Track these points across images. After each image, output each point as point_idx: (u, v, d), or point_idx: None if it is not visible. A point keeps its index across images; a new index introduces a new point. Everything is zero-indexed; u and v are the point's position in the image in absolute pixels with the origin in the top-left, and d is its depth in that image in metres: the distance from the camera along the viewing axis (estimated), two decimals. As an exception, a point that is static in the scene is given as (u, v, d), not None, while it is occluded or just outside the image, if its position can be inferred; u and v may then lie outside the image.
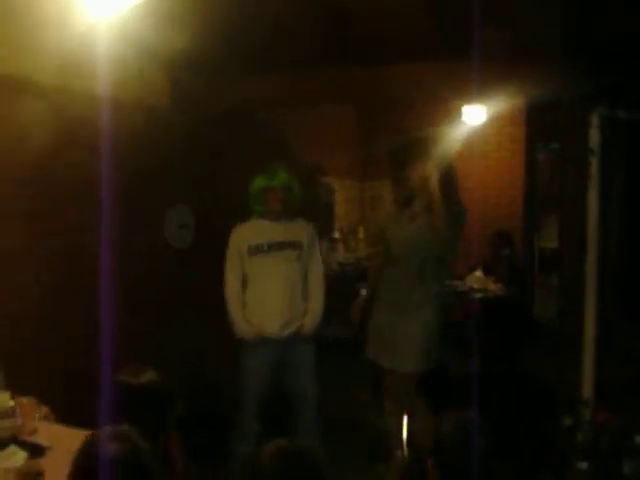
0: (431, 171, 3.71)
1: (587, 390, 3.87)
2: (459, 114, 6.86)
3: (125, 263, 4.28)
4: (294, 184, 4.04)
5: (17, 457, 2.51)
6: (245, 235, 4.03)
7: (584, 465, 3.41)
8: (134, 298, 4.35)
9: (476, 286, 6.28)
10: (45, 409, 2.89)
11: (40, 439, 2.66)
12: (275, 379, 4.05)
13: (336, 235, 7.38)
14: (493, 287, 6.29)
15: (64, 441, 2.49)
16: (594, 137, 3.85)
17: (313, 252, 4.12)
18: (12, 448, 2.57)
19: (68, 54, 3.75)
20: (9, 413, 2.74)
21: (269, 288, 3.96)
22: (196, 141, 4.74)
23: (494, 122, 7.21)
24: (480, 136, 7.21)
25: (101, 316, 4.11)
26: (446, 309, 4.06)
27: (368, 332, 4.00)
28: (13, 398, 2.81)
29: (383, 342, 3.86)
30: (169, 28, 3.79)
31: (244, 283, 4.02)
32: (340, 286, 6.42)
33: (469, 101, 6.64)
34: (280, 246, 3.98)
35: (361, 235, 7.79)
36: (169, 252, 4.77)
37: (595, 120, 3.85)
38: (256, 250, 3.97)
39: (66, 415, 2.93)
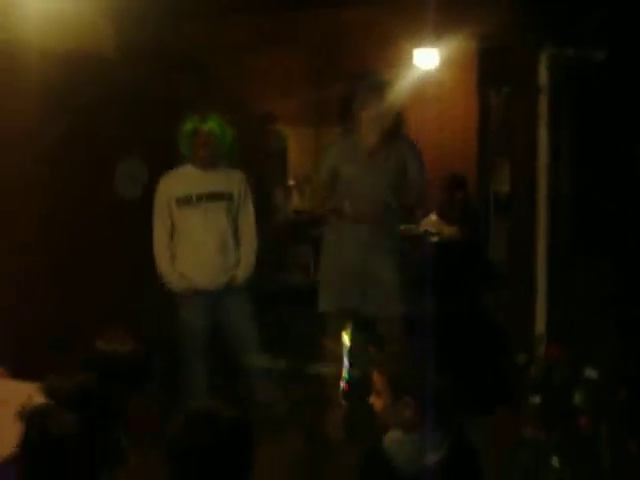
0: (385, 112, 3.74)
1: (540, 326, 3.96)
2: (411, 58, 6.83)
3: (73, 215, 4.21)
4: (225, 130, 3.91)
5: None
6: (172, 185, 3.93)
7: (537, 399, 3.50)
8: (83, 251, 4.29)
9: (431, 230, 6.33)
10: (-3, 366, 2.86)
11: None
12: (211, 334, 4.01)
13: (291, 183, 7.34)
14: (448, 230, 6.34)
15: (17, 395, 2.47)
16: (543, 76, 3.86)
17: (244, 202, 4.03)
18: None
19: (3, 5, 3.62)
20: (-39, 370, 2.71)
21: (198, 241, 3.89)
22: (145, 91, 4.63)
23: (446, 66, 7.19)
24: (432, 80, 7.19)
25: (51, 270, 4.07)
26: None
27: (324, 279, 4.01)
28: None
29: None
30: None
31: (172, 235, 3.93)
32: (295, 234, 6.43)
33: (421, 44, 6.61)
34: (209, 197, 3.89)
35: (315, 183, 7.76)
36: (121, 203, 4.69)
37: (544, 59, 3.85)
38: (184, 202, 3.87)
39: (18, 370, 2.91)
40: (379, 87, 3.82)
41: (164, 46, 4.69)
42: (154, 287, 4.10)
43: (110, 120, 4.40)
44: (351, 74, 4.22)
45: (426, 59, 6.75)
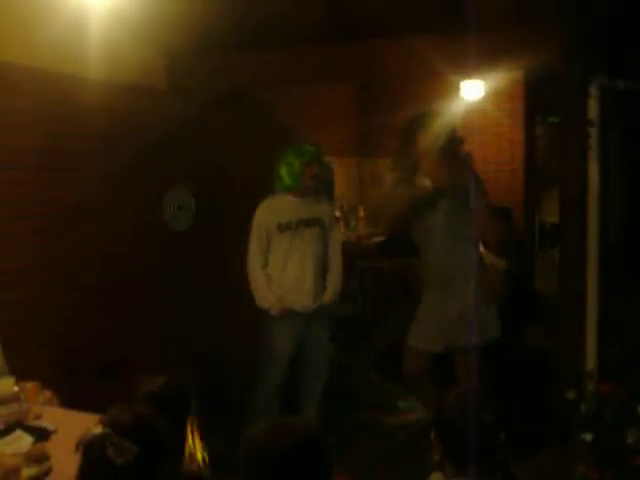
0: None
1: (591, 362, 3.87)
2: (457, 89, 6.82)
3: (123, 245, 4.28)
4: (324, 162, 4.12)
5: (23, 442, 2.52)
6: (274, 212, 4.08)
7: (588, 436, 3.42)
8: (133, 279, 4.35)
9: (477, 261, 6.25)
10: (48, 393, 2.89)
11: (45, 423, 2.67)
12: (296, 353, 4.15)
13: (337, 214, 7.35)
14: (494, 262, 6.26)
15: (68, 425, 2.51)
16: (593, 108, 3.81)
17: (332, 229, 4.23)
18: (18, 433, 2.58)
19: (62, 38, 3.73)
20: (14, 398, 2.75)
21: (298, 265, 4.05)
22: (194, 123, 4.71)
23: (492, 97, 7.17)
24: (478, 111, 7.18)
25: (100, 299, 4.13)
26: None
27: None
28: (17, 383, 2.82)
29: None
30: (164, 10, 3.75)
31: (268, 258, 4.09)
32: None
33: (467, 76, 6.60)
34: (307, 224, 4.08)
35: (361, 214, 7.76)
36: (167, 234, 4.75)
37: (594, 91, 3.81)
38: (286, 227, 4.04)
39: (69, 399, 2.95)
40: (434, 117, 3.86)
41: (213, 80, 4.75)
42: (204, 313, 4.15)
43: (160, 151, 4.47)
44: (395, 106, 4.23)
45: (472, 90, 6.74)
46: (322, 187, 4.28)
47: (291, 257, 4.05)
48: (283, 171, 4.05)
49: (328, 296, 4.15)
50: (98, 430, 1.72)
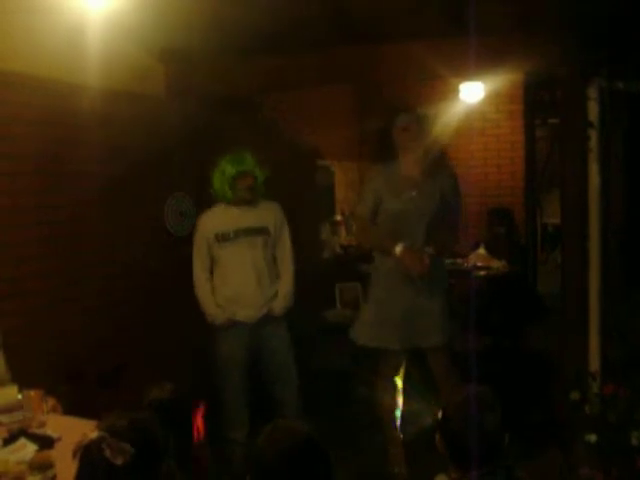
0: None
1: (594, 363, 3.87)
2: (457, 92, 6.84)
3: (125, 252, 4.28)
4: (261, 168, 4.03)
5: (27, 450, 2.52)
6: (212, 223, 4.04)
7: (592, 438, 3.41)
8: (135, 286, 4.35)
9: (479, 264, 6.27)
10: (52, 401, 2.90)
11: (49, 431, 2.67)
12: (251, 365, 4.07)
13: (338, 218, 7.35)
14: (496, 264, 6.28)
15: (72, 432, 2.49)
16: (593, 110, 3.82)
17: (281, 234, 4.12)
18: (22, 441, 2.58)
19: (61, 46, 3.74)
20: (17, 406, 2.76)
21: (237, 275, 4.00)
22: (194, 128, 4.71)
23: (492, 99, 7.18)
24: (478, 114, 7.20)
25: (103, 306, 4.14)
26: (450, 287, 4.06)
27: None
28: (20, 391, 2.82)
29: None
30: (161, 15, 3.76)
31: (212, 269, 4.06)
32: (343, 268, 6.42)
33: (467, 78, 6.61)
34: (246, 233, 4.00)
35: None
36: (169, 240, 4.75)
37: (593, 92, 3.82)
38: (224, 238, 3.99)
39: (72, 407, 2.95)
40: (415, 120, 3.82)
41: (212, 85, 4.76)
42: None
43: (160, 157, 4.48)
44: (395, 109, 4.22)
45: (471, 92, 6.75)
46: (315, 193, 4.17)
47: (231, 267, 3.99)
48: (214, 179, 4.01)
49: (278, 304, 4.04)
50: (94, 435, 1.73)
